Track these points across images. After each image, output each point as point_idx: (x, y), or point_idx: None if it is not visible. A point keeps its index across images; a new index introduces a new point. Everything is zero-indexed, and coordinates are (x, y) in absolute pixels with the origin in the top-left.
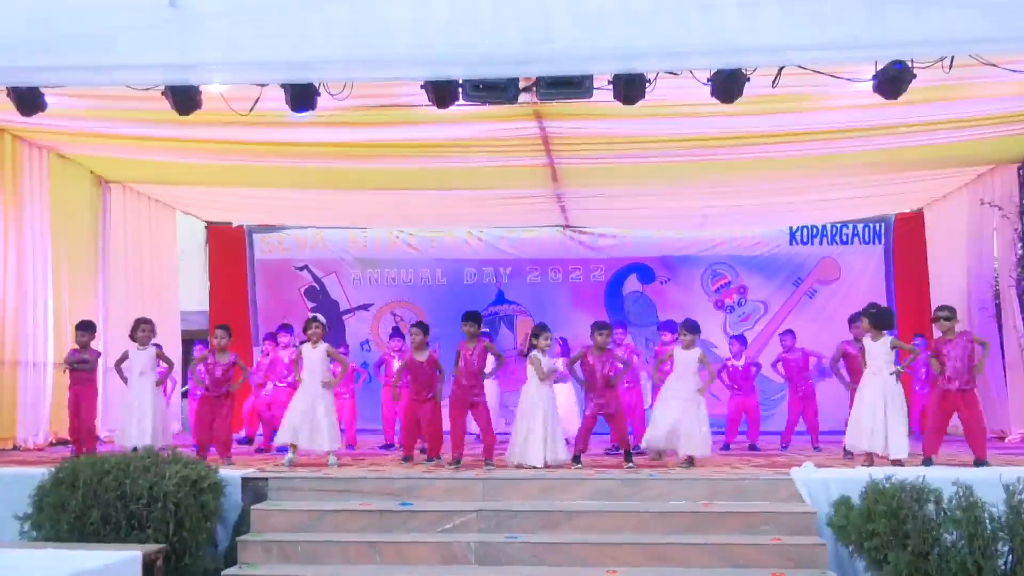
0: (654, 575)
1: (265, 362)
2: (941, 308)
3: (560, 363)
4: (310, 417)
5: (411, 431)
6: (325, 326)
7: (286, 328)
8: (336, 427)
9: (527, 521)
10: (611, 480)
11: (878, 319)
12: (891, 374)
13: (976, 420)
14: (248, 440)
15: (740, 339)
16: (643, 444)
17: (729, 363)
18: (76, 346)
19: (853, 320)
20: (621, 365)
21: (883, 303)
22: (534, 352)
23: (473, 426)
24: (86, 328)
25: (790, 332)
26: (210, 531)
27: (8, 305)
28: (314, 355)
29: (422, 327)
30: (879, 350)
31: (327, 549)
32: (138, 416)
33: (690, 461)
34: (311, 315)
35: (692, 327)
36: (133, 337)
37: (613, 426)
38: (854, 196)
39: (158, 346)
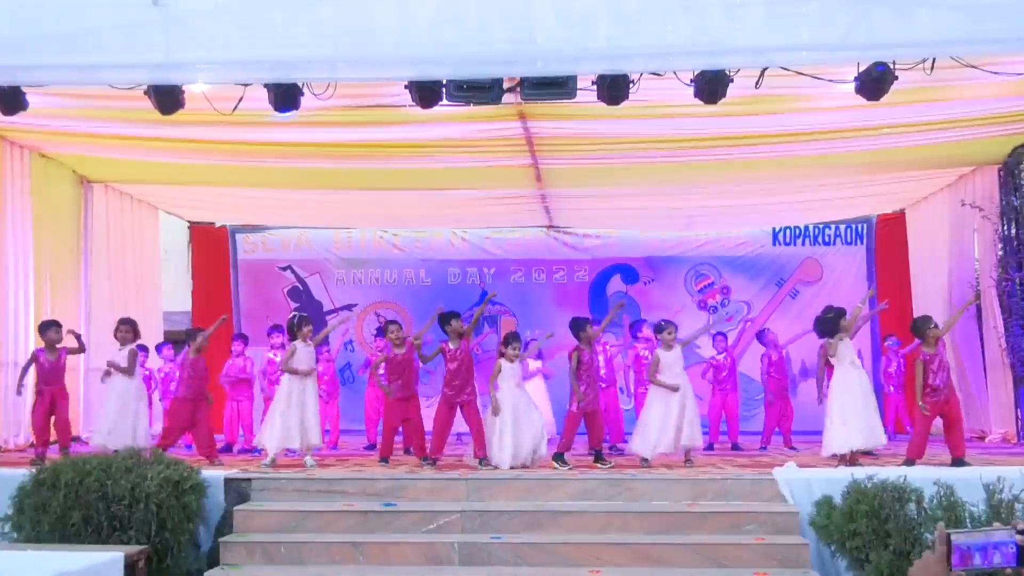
0: (638, 575)
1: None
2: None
3: (539, 364)
4: (305, 416)
5: (392, 432)
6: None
7: (277, 328)
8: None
9: (511, 521)
10: (595, 480)
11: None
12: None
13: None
14: (228, 447)
15: (723, 336)
16: (633, 450)
17: (714, 360)
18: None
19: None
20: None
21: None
22: (500, 360)
23: (456, 427)
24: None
25: (766, 331)
26: (192, 532)
27: None
28: (307, 352)
29: (399, 325)
30: (849, 348)
31: (310, 550)
32: (117, 416)
33: (688, 459)
34: (300, 314)
35: (671, 325)
36: (115, 337)
37: (592, 424)
38: (837, 197)
39: (143, 347)
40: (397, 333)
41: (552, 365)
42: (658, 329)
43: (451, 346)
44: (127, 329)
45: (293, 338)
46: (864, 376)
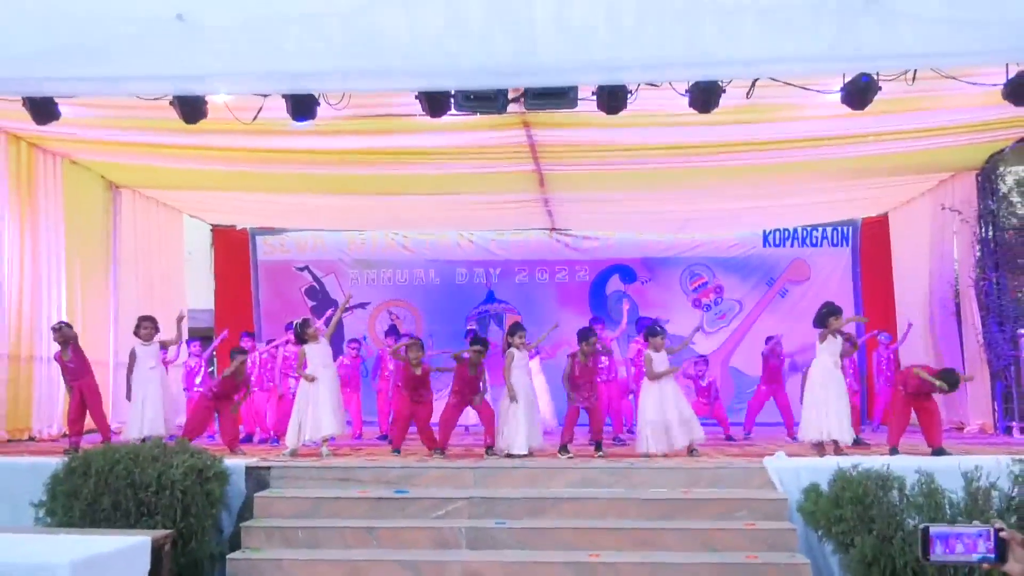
0: (635, 559)
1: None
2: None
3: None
4: (316, 410)
5: (403, 427)
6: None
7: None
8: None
9: (515, 508)
10: (595, 469)
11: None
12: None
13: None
14: (248, 437)
15: (703, 361)
16: (642, 450)
17: (697, 378)
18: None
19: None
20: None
21: (851, 302)
22: (510, 350)
23: (462, 419)
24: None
25: (774, 338)
26: (215, 517)
27: (24, 303)
28: (320, 349)
29: (420, 345)
30: (836, 348)
31: (326, 534)
32: (144, 407)
33: (691, 451)
34: (303, 317)
35: (656, 331)
36: (137, 334)
37: (592, 416)
38: (824, 201)
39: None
40: (416, 354)
41: (550, 361)
42: (650, 333)
43: (470, 373)
44: (149, 325)
45: (303, 342)
46: (841, 378)
